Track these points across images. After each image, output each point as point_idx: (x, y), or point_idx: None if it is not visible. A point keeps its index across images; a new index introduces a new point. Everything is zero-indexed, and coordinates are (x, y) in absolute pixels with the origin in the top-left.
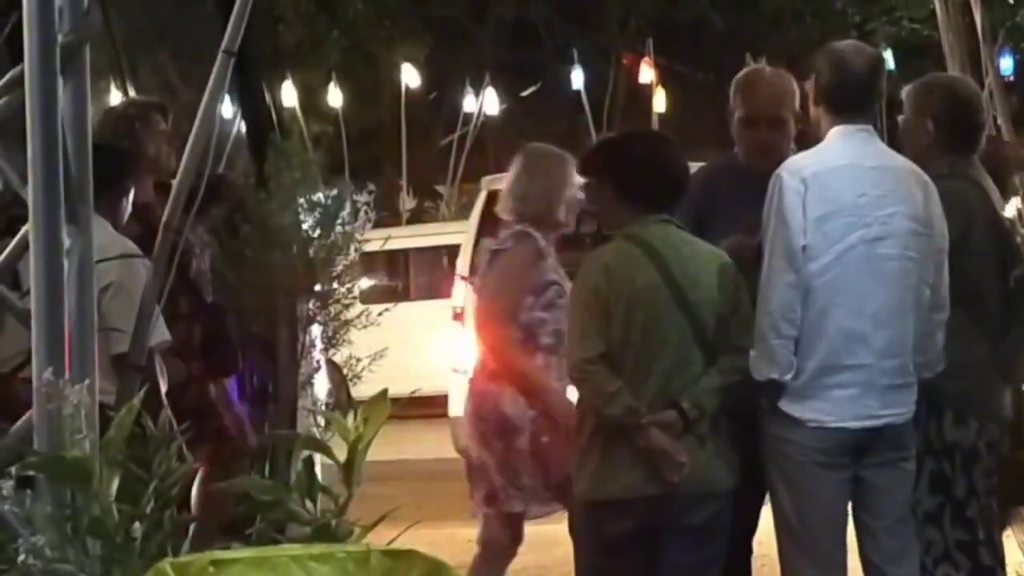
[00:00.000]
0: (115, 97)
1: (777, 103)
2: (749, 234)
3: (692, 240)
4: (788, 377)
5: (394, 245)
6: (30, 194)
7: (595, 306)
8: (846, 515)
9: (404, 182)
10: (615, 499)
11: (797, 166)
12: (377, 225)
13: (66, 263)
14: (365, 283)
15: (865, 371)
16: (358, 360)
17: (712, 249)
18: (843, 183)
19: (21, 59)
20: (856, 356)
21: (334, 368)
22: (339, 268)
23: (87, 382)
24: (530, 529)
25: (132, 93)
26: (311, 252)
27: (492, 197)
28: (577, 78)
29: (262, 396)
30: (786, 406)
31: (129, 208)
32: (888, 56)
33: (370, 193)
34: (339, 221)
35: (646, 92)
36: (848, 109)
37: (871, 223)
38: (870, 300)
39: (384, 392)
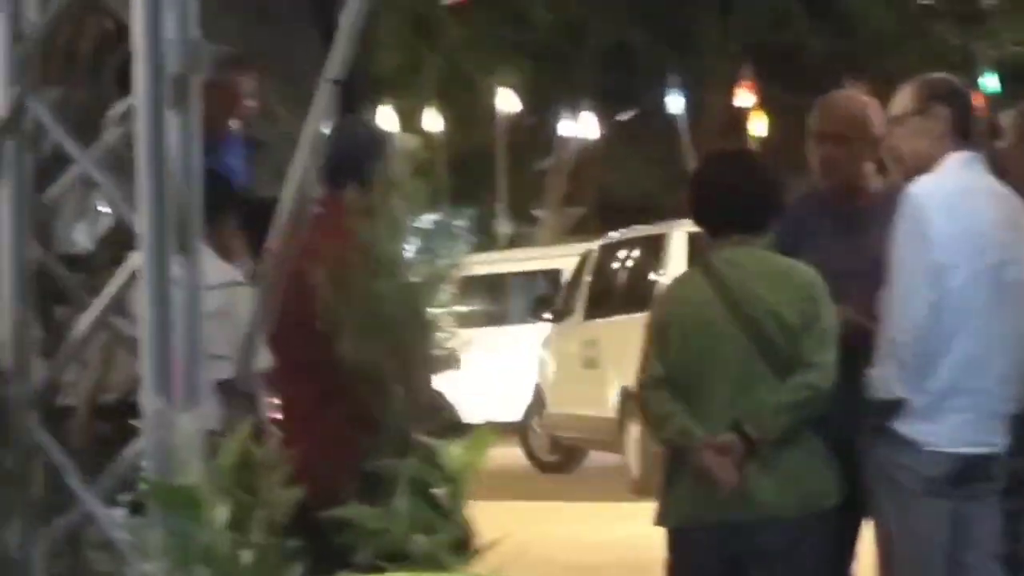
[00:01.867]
0: None
1: (842, 121)
2: (861, 310)
3: (766, 257)
4: (911, 397)
5: (492, 269)
6: (140, 225)
7: (654, 331)
8: (949, 545)
9: (502, 206)
10: (681, 526)
11: (927, 188)
12: (475, 250)
13: (175, 292)
14: (464, 308)
15: (983, 396)
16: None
17: (790, 264)
18: (969, 207)
19: (130, 91)
20: (977, 381)
21: (438, 395)
22: (441, 294)
23: (196, 410)
24: (629, 553)
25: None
26: (415, 278)
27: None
28: (675, 102)
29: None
30: (902, 428)
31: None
32: (992, 79)
33: (468, 218)
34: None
35: (744, 116)
36: (965, 137)
37: (997, 248)
38: (995, 324)
39: (490, 423)
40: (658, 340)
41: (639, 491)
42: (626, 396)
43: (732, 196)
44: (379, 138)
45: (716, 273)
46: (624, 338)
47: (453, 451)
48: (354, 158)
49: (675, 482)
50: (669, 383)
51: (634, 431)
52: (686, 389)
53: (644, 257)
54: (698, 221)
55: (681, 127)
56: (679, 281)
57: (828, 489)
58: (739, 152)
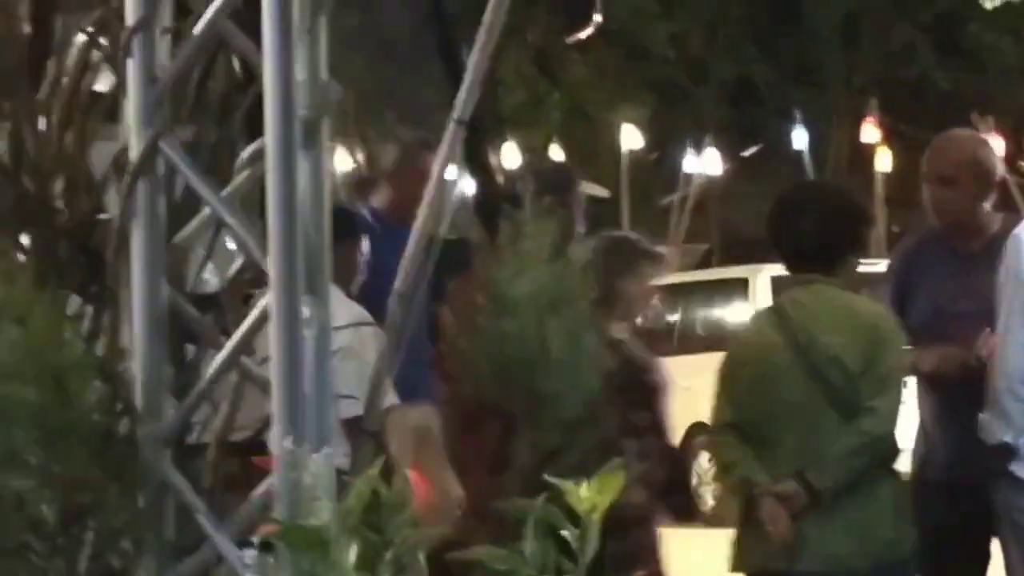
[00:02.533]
0: (344, 160)
1: (952, 163)
2: (964, 344)
3: (833, 297)
4: (1016, 443)
5: None
6: (270, 266)
7: (726, 374)
8: None
9: None
10: (753, 574)
11: None
12: None
13: (305, 333)
14: None
15: None
16: None
17: (856, 304)
18: None
19: (258, 133)
20: None
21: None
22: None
23: (326, 450)
24: None
25: (360, 156)
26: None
27: None
28: (799, 138)
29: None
30: (1019, 471)
31: (361, 270)
32: None
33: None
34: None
35: (869, 151)
36: None
37: None
38: None
39: (622, 462)
40: (728, 384)
41: (711, 522)
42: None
43: (801, 234)
44: (565, 177)
45: (784, 315)
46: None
47: (582, 492)
48: (540, 192)
49: (747, 528)
50: (738, 428)
51: (704, 462)
52: (755, 435)
53: (724, 297)
54: (780, 258)
55: (806, 162)
56: (751, 323)
57: (900, 539)
58: (814, 188)
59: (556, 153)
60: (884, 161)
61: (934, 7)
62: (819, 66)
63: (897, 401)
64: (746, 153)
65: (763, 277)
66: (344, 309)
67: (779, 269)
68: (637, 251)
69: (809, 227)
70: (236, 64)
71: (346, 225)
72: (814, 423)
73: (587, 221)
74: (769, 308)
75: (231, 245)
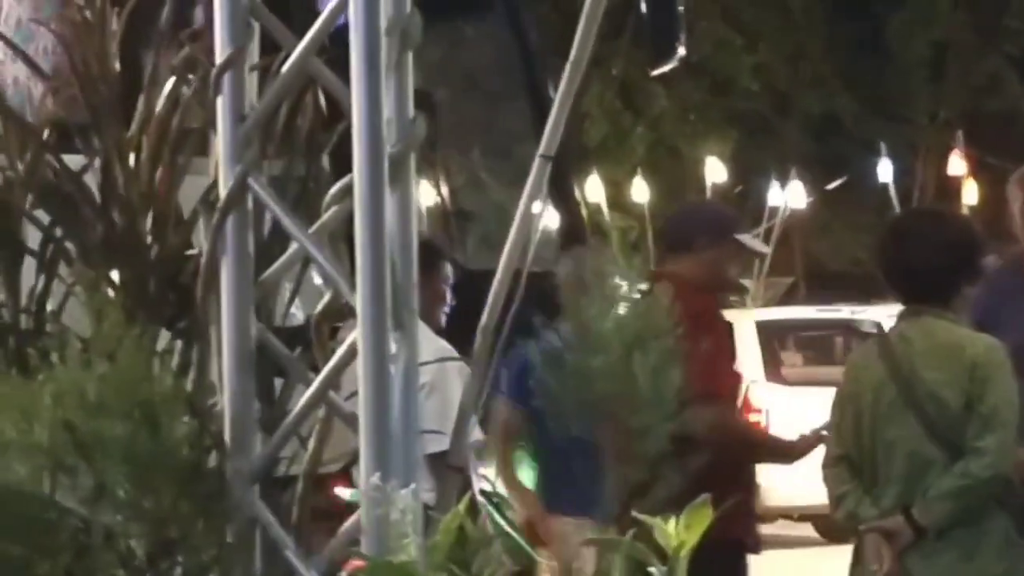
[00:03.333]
0: (428, 194)
1: None
2: None
3: (939, 330)
4: None
5: None
6: (358, 301)
7: (837, 407)
8: None
9: None
10: None
11: None
12: None
13: (392, 368)
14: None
15: None
16: None
17: (962, 338)
18: None
19: (344, 169)
20: None
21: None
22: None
23: (413, 486)
24: None
25: (445, 190)
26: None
27: None
28: (884, 171)
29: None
30: None
31: (445, 304)
32: None
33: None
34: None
35: (955, 184)
36: None
37: None
38: None
39: (707, 497)
40: (841, 417)
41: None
42: None
43: (914, 264)
44: (724, 220)
45: (888, 349)
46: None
47: (670, 528)
48: (687, 233)
49: (855, 565)
50: (847, 461)
51: None
52: (864, 468)
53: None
54: (890, 289)
55: (891, 195)
56: (857, 355)
57: (1009, 574)
58: (929, 215)
59: (639, 186)
60: (971, 194)
61: (1021, 39)
62: (904, 98)
63: (1008, 439)
64: (831, 186)
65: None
66: (428, 344)
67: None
68: None
69: (924, 256)
70: (322, 100)
71: (429, 256)
72: (918, 459)
73: None
74: (875, 340)
75: (317, 280)
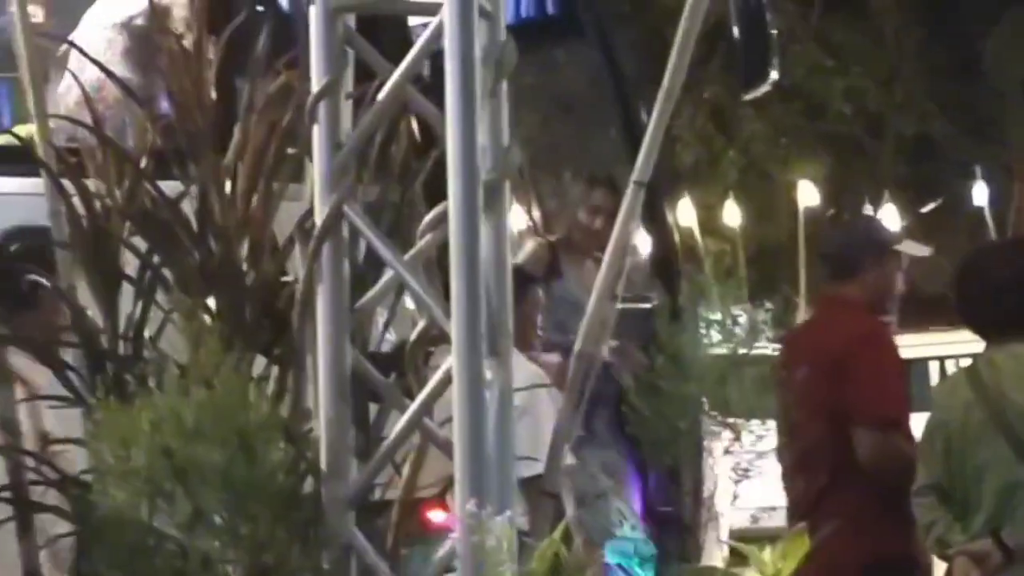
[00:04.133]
0: (519, 218)
1: None
2: None
3: None
4: None
5: None
6: (453, 328)
7: (926, 436)
8: None
9: (802, 299)
10: None
11: None
12: (775, 343)
13: (487, 394)
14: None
15: None
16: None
17: None
18: None
19: (436, 196)
20: None
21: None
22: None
23: (508, 513)
24: None
25: (536, 214)
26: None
27: None
28: (979, 193)
29: (667, 524)
30: None
31: (537, 329)
32: None
33: (767, 311)
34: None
35: None
36: None
37: None
38: None
39: (805, 527)
40: (928, 445)
41: None
42: None
43: (998, 294)
44: (880, 237)
45: (977, 375)
46: None
47: (766, 557)
48: (853, 256)
49: None
50: (937, 490)
51: None
52: (954, 495)
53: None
54: (963, 320)
55: (986, 218)
56: (947, 384)
57: None
58: (1011, 245)
59: (731, 210)
60: None
61: None
62: (999, 120)
63: None
64: (925, 209)
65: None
66: (520, 369)
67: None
68: None
69: (1007, 287)
70: (415, 127)
71: (520, 282)
72: (1008, 482)
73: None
74: (964, 368)
75: (410, 305)
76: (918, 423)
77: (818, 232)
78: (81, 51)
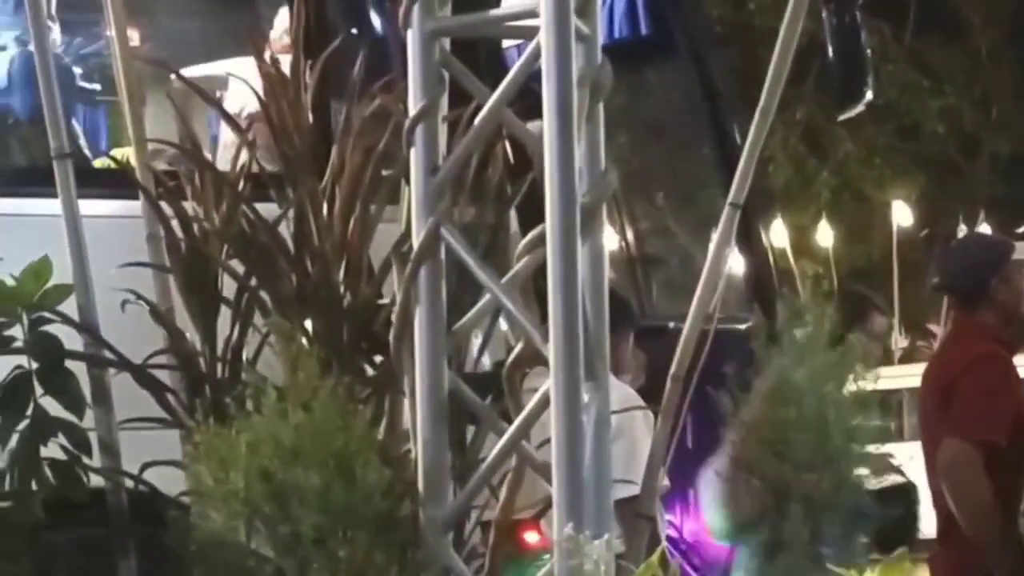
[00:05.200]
0: (611, 239)
1: None
2: None
3: None
4: None
5: (886, 385)
6: (551, 351)
7: None
8: None
9: (896, 321)
10: None
11: None
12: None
13: (584, 418)
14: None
15: None
16: None
17: None
18: None
19: (527, 218)
20: None
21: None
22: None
23: (606, 536)
24: None
25: (630, 237)
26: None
27: None
28: None
29: None
30: None
31: (628, 353)
32: None
33: (860, 332)
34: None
35: None
36: None
37: None
38: None
39: (905, 552)
40: None
41: None
42: None
43: None
44: (997, 253)
45: None
46: None
47: None
48: (977, 276)
49: None
50: None
51: None
52: None
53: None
54: None
55: None
56: None
57: None
58: None
59: (824, 231)
60: None
61: None
62: None
63: None
64: (1021, 229)
65: None
66: (615, 392)
67: None
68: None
69: None
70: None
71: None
72: None
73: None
74: None
75: (504, 326)
76: None
77: (912, 253)
78: (245, 82)
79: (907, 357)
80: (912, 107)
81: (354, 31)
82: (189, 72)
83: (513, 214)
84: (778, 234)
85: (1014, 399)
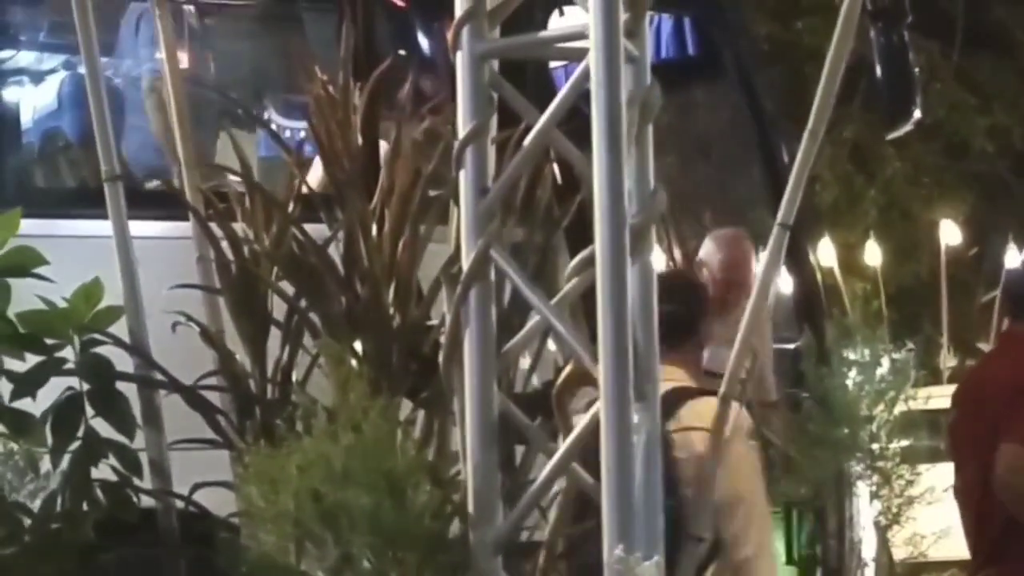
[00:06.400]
0: (658, 259)
1: None
2: None
3: None
4: None
5: (935, 404)
6: (601, 373)
7: None
8: None
9: (944, 340)
10: None
11: None
12: (916, 384)
13: (634, 439)
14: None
15: None
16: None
17: None
18: None
19: (575, 239)
20: None
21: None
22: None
23: (657, 558)
24: None
25: (677, 255)
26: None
27: None
28: None
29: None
30: None
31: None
32: None
33: (909, 351)
34: (878, 381)
35: None
36: None
37: None
38: None
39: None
40: None
41: None
42: None
43: None
44: None
45: None
46: None
47: None
48: None
49: None
50: None
51: None
52: None
53: None
54: None
55: None
56: None
57: None
58: None
59: (872, 250)
60: None
61: None
62: None
63: None
64: None
65: None
66: None
67: None
68: None
69: None
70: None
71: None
72: None
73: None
74: None
75: (551, 347)
76: None
77: (960, 272)
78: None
79: (956, 376)
80: (960, 125)
81: (403, 53)
82: None
83: (562, 235)
84: (826, 253)
85: None
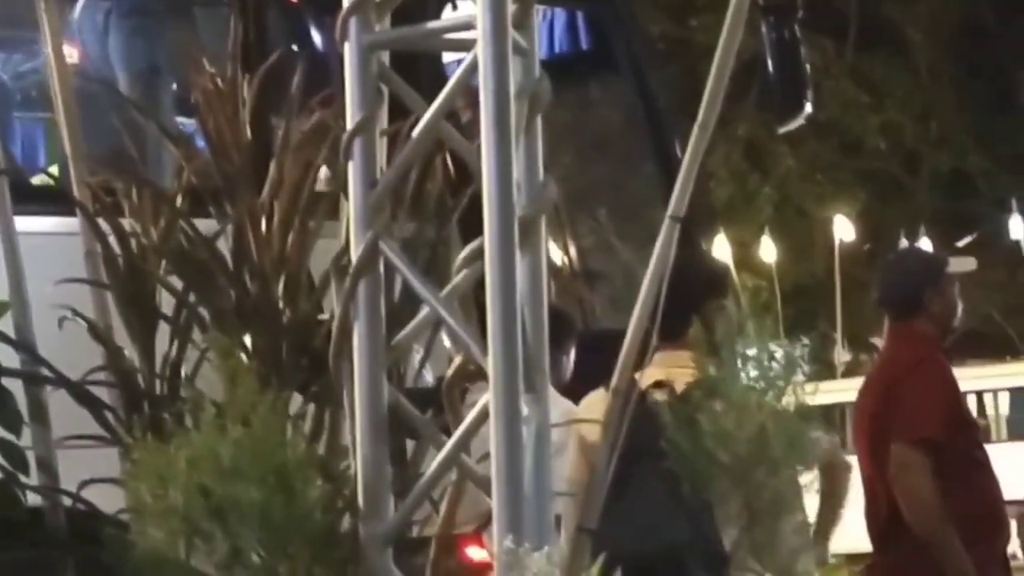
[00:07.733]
0: (555, 255)
1: None
2: None
3: None
4: None
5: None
6: (490, 364)
7: None
8: None
9: (839, 335)
10: None
11: None
12: (810, 379)
13: (524, 431)
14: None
15: None
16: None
17: None
18: None
19: (470, 232)
20: None
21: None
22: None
23: (547, 549)
24: None
25: (573, 252)
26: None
27: None
28: (1016, 227)
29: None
30: None
31: (570, 367)
32: None
33: (804, 347)
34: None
35: None
36: None
37: None
38: None
39: (842, 558)
40: None
41: None
42: None
43: None
44: (933, 266)
45: None
46: None
47: None
48: (912, 288)
49: None
50: None
51: None
52: None
53: None
54: None
55: (1023, 252)
56: None
57: None
58: None
59: (767, 246)
60: None
61: None
62: None
63: None
64: (961, 243)
65: None
66: (555, 406)
67: None
68: None
69: None
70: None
71: (562, 327)
72: None
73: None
74: None
75: (447, 342)
76: None
77: (854, 268)
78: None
79: (850, 371)
80: (853, 123)
81: (293, 46)
82: None
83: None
84: (721, 250)
85: (954, 400)
